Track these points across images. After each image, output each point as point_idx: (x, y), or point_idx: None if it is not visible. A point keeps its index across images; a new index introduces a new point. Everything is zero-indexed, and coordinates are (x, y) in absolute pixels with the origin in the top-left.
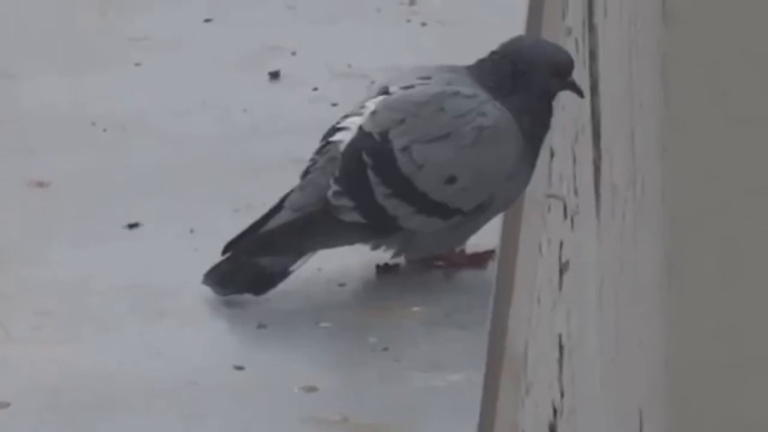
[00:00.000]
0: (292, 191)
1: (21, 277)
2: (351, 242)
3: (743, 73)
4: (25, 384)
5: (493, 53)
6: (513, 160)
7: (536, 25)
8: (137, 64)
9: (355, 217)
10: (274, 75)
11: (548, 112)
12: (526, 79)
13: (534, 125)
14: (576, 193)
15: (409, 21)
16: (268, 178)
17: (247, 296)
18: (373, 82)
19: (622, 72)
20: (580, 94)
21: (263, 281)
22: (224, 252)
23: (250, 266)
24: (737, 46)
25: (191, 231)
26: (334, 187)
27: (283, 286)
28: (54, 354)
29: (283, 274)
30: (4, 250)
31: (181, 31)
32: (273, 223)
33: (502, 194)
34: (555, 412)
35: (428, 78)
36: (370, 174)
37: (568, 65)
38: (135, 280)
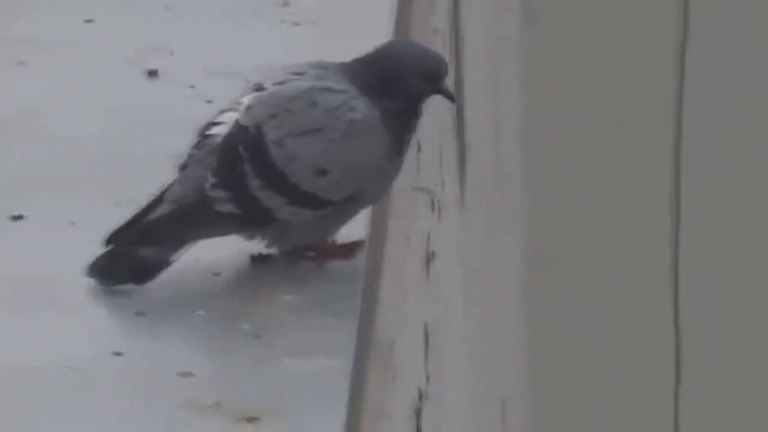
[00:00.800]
0: (171, 184)
1: None
2: (227, 233)
3: (601, 69)
4: None
5: (367, 55)
6: (381, 154)
7: (405, 25)
8: (21, 63)
9: (230, 208)
10: (153, 74)
11: (415, 114)
12: (396, 83)
13: (401, 125)
14: (442, 185)
15: (283, 21)
16: (147, 172)
17: (129, 286)
18: (248, 81)
19: (486, 68)
20: (452, 99)
21: (144, 271)
22: (106, 244)
23: (131, 257)
24: (597, 42)
25: (72, 224)
26: (211, 179)
27: (160, 276)
28: None
29: (164, 263)
30: None
31: (63, 31)
32: (153, 215)
33: (370, 187)
34: (421, 397)
35: (300, 74)
36: (245, 166)
37: (439, 71)
38: (17, 270)
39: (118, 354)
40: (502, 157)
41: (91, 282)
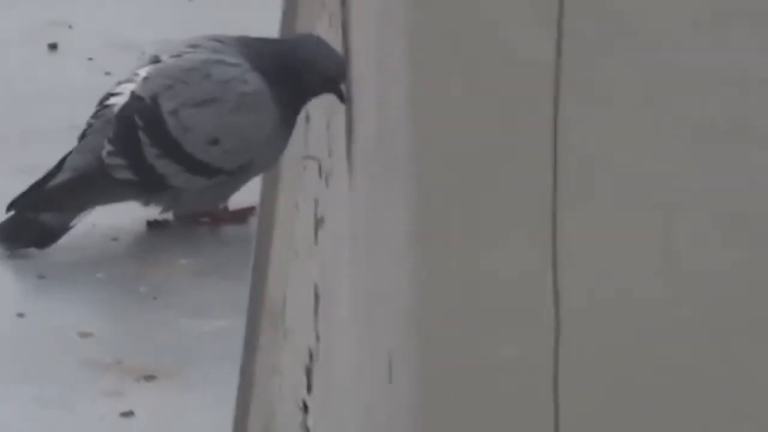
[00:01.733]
0: (70, 153)
1: None
2: (124, 199)
3: (486, 43)
4: None
5: (274, 40)
6: (271, 126)
7: (293, 2)
8: None
9: (127, 175)
10: (53, 47)
11: (306, 99)
12: (297, 75)
13: (291, 102)
14: (330, 154)
15: None
16: (47, 142)
17: (31, 250)
18: (144, 53)
19: (373, 41)
20: (343, 101)
21: (46, 236)
22: (8, 210)
23: (32, 222)
24: (485, 22)
25: None
26: (108, 147)
27: (61, 241)
28: None
29: (64, 228)
30: None
31: None
32: (53, 182)
33: (260, 157)
34: (311, 355)
35: (196, 47)
36: (141, 135)
37: (340, 75)
38: None
39: (20, 315)
40: (388, 125)
41: None
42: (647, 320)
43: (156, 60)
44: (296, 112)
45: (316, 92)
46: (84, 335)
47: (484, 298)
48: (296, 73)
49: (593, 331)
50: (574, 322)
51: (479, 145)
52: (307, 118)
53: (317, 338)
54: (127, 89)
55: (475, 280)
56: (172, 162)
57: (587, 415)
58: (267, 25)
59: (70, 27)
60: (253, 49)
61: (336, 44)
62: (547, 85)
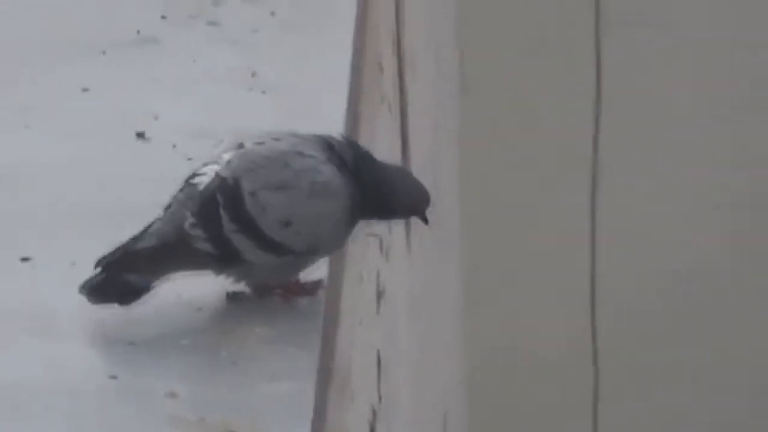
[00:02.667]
0: (155, 221)
1: None
2: (201, 268)
3: (524, 126)
4: None
5: (366, 157)
6: (339, 216)
7: (357, 94)
8: (27, 127)
9: (205, 246)
10: (140, 135)
11: (387, 216)
12: (383, 198)
13: (367, 211)
14: (390, 231)
15: (251, 90)
16: (135, 218)
17: (118, 310)
18: (221, 141)
19: (428, 131)
20: (427, 224)
21: (128, 294)
22: (95, 267)
23: (117, 281)
24: (526, 115)
25: (73, 264)
26: (191, 219)
27: (149, 310)
28: None
29: (146, 289)
30: None
31: (64, 98)
32: (138, 246)
33: (328, 242)
34: (374, 414)
35: (278, 139)
36: (222, 211)
37: (425, 207)
38: (27, 303)
39: (113, 377)
40: (442, 212)
41: (88, 314)
42: None
43: (240, 146)
44: (373, 214)
45: (400, 216)
46: (171, 395)
47: (528, 371)
48: (383, 194)
49: (633, 401)
50: (613, 385)
51: (521, 230)
52: None
53: (380, 399)
54: (211, 170)
55: (521, 337)
56: (247, 238)
57: None
58: (333, 114)
59: (156, 118)
60: (340, 150)
61: (394, 131)
62: (586, 159)
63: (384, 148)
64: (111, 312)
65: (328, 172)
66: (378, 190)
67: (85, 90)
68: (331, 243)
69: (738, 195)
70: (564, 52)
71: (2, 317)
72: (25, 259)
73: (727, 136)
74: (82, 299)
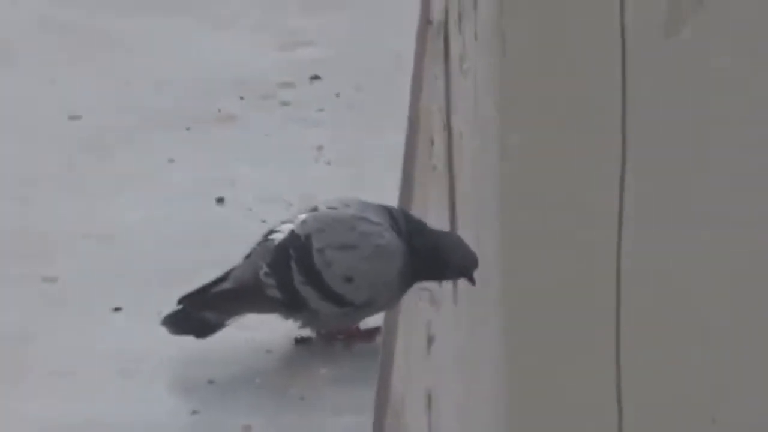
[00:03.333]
0: (234, 268)
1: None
2: (271, 312)
3: (558, 193)
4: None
5: (422, 226)
6: (395, 277)
7: (411, 164)
8: (121, 193)
9: (276, 293)
10: (220, 200)
11: (439, 277)
12: (435, 262)
13: (421, 273)
14: (440, 286)
15: (317, 161)
16: (214, 272)
17: (197, 351)
18: (290, 205)
19: (472, 201)
20: (474, 285)
21: (205, 329)
22: (178, 303)
23: (196, 317)
24: (554, 171)
25: (159, 313)
26: (265, 269)
27: (226, 352)
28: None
29: (220, 326)
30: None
31: (153, 168)
32: (217, 288)
33: (384, 297)
34: None
35: (348, 205)
36: (293, 264)
37: (473, 269)
38: (119, 348)
39: (195, 412)
40: (484, 271)
41: (175, 357)
42: None
43: (315, 209)
44: (425, 275)
45: (450, 278)
46: (245, 429)
47: (561, 405)
48: (435, 257)
49: None
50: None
51: (552, 292)
52: None
53: (429, 431)
54: (287, 228)
55: (554, 399)
56: (313, 289)
57: None
58: (389, 183)
59: (233, 185)
60: (398, 219)
61: (444, 198)
62: (612, 239)
63: (434, 213)
64: (192, 354)
65: (388, 238)
66: (430, 255)
67: (171, 161)
68: (387, 298)
69: None
70: (592, 124)
71: (98, 360)
72: (117, 309)
73: None
74: (168, 343)
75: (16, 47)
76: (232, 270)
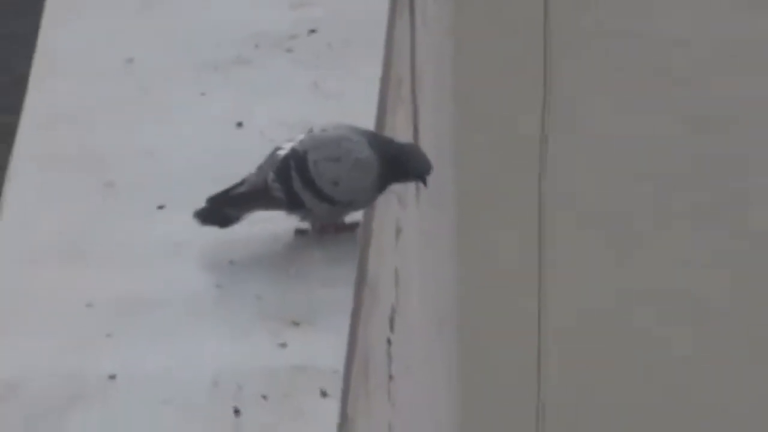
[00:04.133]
0: (250, 175)
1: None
2: (277, 209)
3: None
4: None
5: (392, 140)
6: (371, 181)
7: (384, 99)
8: (161, 122)
9: (280, 195)
10: (239, 124)
11: (402, 180)
12: (400, 165)
13: (390, 176)
14: (406, 190)
15: (314, 95)
16: (234, 179)
17: (223, 238)
18: (292, 128)
19: (431, 125)
20: (426, 187)
21: (226, 221)
22: (206, 202)
23: (219, 212)
24: (494, 112)
25: (194, 208)
26: (272, 176)
27: (244, 240)
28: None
29: (238, 219)
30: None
31: (190, 100)
32: (235, 191)
33: (363, 197)
34: (393, 312)
35: (338, 128)
36: (293, 173)
37: (428, 173)
38: (162, 238)
39: (219, 286)
40: (441, 176)
41: (204, 243)
42: None
43: (311, 131)
44: (394, 179)
45: (410, 179)
46: (257, 298)
47: (503, 288)
48: (400, 164)
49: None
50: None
51: (498, 198)
52: None
53: (396, 300)
54: (289, 145)
55: (496, 275)
56: (308, 192)
57: None
58: (369, 111)
59: (250, 111)
60: (374, 138)
61: (409, 124)
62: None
63: (402, 135)
64: (217, 241)
65: (366, 153)
66: (396, 163)
67: (202, 94)
68: (365, 199)
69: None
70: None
71: (146, 246)
72: (161, 207)
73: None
74: (198, 232)
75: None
76: (247, 177)
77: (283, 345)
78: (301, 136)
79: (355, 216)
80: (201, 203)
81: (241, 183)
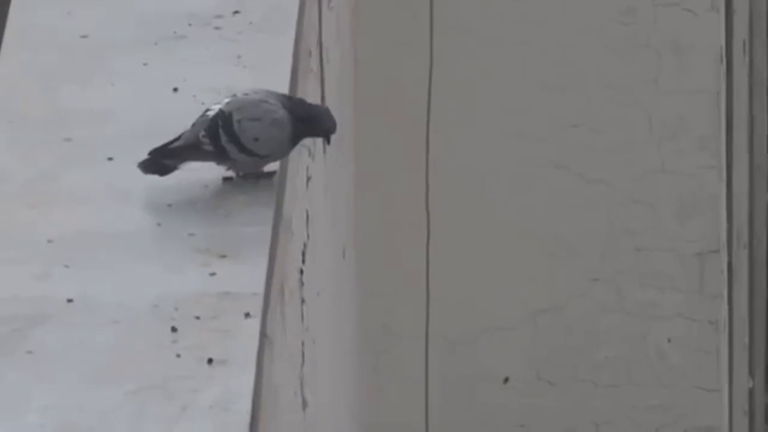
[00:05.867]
0: (184, 132)
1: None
2: (207, 160)
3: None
4: None
5: (304, 102)
6: (286, 136)
7: (296, 68)
8: (111, 85)
9: (210, 148)
10: (175, 89)
11: (312, 135)
12: (311, 123)
13: (303, 131)
14: (314, 143)
15: (237, 65)
16: (170, 136)
17: (159, 180)
18: (220, 93)
19: (335, 95)
20: (329, 143)
21: (165, 170)
22: (149, 154)
23: (159, 163)
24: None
25: (137, 160)
26: (202, 132)
27: (180, 186)
28: None
29: (175, 167)
30: None
31: (133, 68)
32: (173, 145)
33: (279, 150)
34: (304, 247)
35: (257, 92)
36: (220, 131)
37: (333, 131)
38: (109, 187)
39: (159, 224)
40: (343, 135)
41: (145, 190)
42: None
43: (234, 95)
44: (304, 135)
45: (319, 135)
46: (190, 235)
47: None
48: (309, 123)
49: None
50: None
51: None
52: None
53: (307, 237)
54: (217, 107)
55: (392, 212)
56: (233, 146)
57: None
58: (283, 78)
59: (184, 79)
60: (288, 100)
61: (317, 91)
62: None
63: (311, 99)
64: (157, 186)
65: (281, 113)
66: (307, 121)
67: (145, 64)
68: (281, 152)
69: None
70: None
71: (96, 191)
72: (110, 159)
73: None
74: (142, 179)
75: None
76: (182, 133)
77: (213, 274)
78: (227, 100)
79: (272, 166)
80: (144, 156)
81: (178, 138)
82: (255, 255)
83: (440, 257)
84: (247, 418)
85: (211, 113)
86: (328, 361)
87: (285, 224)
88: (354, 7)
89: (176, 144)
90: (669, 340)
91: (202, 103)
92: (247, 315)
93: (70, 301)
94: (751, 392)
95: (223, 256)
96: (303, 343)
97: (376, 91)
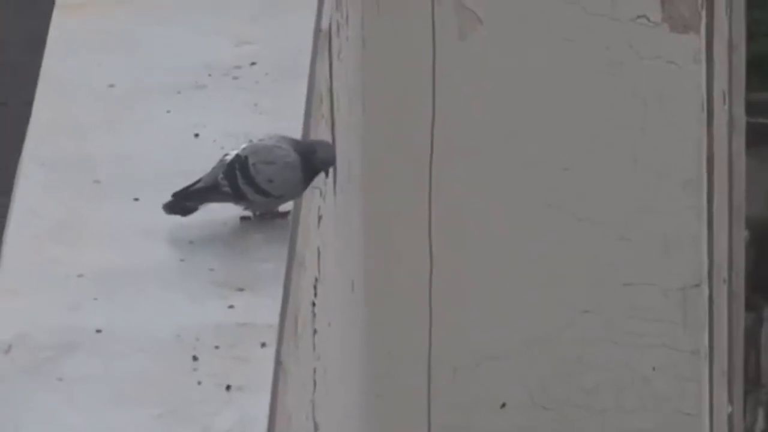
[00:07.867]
0: (204, 175)
1: None
2: (226, 201)
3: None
4: None
5: (309, 140)
6: (298, 179)
7: (309, 115)
8: (131, 130)
9: (228, 190)
10: (197, 135)
11: (318, 172)
12: (311, 156)
13: (311, 171)
14: (325, 184)
15: (253, 113)
16: (192, 178)
17: (181, 221)
18: (239, 139)
19: (344, 137)
20: (327, 175)
21: (187, 211)
22: (172, 196)
23: (181, 204)
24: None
25: (161, 202)
26: (221, 175)
27: (200, 224)
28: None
29: (196, 209)
30: None
31: (157, 115)
32: (194, 187)
33: (292, 192)
34: (316, 281)
35: (271, 138)
36: (237, 173)
37: (330, 165)
38: (138, 225)
39: (182, 260)
40: (352, 172)
41: (169, 228)
42: None
43: (251, 141)
44: (312, 175)
45: (318, 167)
46: (211, 270)
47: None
48: (311, 155)
49: None
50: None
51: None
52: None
53: (319, 272)
54: (234, 152)
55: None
56: (250, 188)
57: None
58: (297, 125)
59: (204, 126)
60: (297, 143)
61: (328, 135)
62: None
63: None
64: (180, 226)
65: (293, 157)
66: (309, 154)
67: (168, 112)
68: (294, 192)
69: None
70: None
71: (125, 232)
72: (136, 199)
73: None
74: (166, 219)
75: None
76: (203, 176)
77: (231, 306)
78: (244, 145)
79: (286, 206)
80: (167, 197)
81: (198, 181)
82: (271, 288)
83: (442, 290)
84: None
85: (229, 158)
86: (338, 386)
87: (298, 260)
88: (361, 60)
89: (197, 186)
90: (654, 368)
91: (222, 148)
92: (263, 344)
93: (98, 331)
94: (730, 417)
95: (241, 290)
96: (315, 371)
97: (382, 137)
